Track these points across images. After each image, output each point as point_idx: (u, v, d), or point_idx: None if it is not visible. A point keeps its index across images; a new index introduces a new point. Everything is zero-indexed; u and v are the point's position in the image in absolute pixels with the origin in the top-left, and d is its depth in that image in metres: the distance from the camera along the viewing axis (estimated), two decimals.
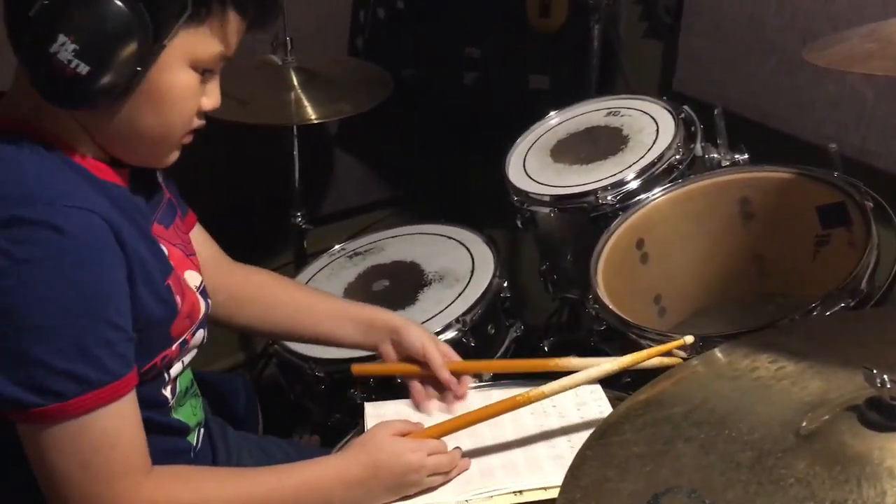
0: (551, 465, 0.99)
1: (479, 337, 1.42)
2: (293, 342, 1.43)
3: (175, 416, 1.03)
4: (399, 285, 1.54)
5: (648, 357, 1.05)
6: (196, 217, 1.17)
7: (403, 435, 1.00)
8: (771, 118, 1.77)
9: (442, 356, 1.14)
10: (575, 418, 1.08)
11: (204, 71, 0.91)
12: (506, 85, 2.06)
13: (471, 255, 1.56)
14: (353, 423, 1.17)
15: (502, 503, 0.96)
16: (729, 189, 1.40)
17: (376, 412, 1.12)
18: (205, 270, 1.12)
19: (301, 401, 1.49)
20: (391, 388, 1.36)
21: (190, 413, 1.07)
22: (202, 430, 1.11)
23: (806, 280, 1.31)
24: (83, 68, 0.82)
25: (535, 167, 1.59)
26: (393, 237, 1.69)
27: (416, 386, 1.15)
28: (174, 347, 0.98)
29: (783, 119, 1.75)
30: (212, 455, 1.13)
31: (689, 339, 1.06)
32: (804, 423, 0.76)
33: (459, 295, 1.46)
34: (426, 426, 1.03)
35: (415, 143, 2.30)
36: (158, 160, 0.96)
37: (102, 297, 0.85)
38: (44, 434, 0.83)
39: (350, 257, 1.66)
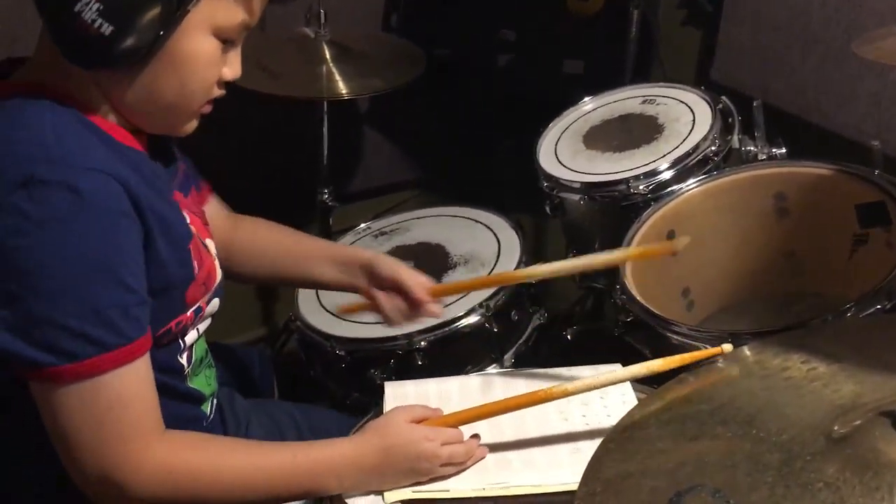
0: (570, 461, 0.98)
1: (502, 322, 1.41)
2: (311, 319, 1.43)
3: (191, 384, 1.03)
4: (423, 267, 1.51)
5: (681, 363, 1.01)
6: (210, 186, 1.18)
7: (421, 421, 0.99)
8: (811, 112, 1.73)
9: (414, 280, 1.14)
10: (599, 411, 1.06)
11: (225, 40, 0.91)
12: (540, 68, 2.03)
13: (497, 239, 1.54)
14: (373, 402, 1.16)
15: (520, 492, 0.94)
16: (764, 183, 1.37)
17: (396, 392, 1.11)
18: (219, 233, 1.13)
19: (320, 378, 1.49)
20: (411, 370, 1.35)
21: (205, 383, 1.07)
22: (215, 400, 1.11)
23: (840, 280, 1.28)
24: (106, 28, 0.82)
25: (566, 153, 1.57)
26: (419, 218, 1.68)
27: (381, 295, 1.14)
28: (189, 314, 0.98)
29: (823, 114, 1.71)
30: (222, 425, 1.13)
31: (728, 347, 1.02)
32: (836, 427, 0.74)
33: None
34: (445, 412, 1.02)
35: (445, 124, 2.28)
36: (175, 128, 0.95)
37: (117, 260, 0.85)
38: (57, 393, 0.84)
39: (375, 236, 1.65)
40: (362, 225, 1.69)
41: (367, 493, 0.95)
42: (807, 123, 1.73)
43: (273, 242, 1.21)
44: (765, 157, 1.43)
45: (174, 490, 0.89)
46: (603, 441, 0.79)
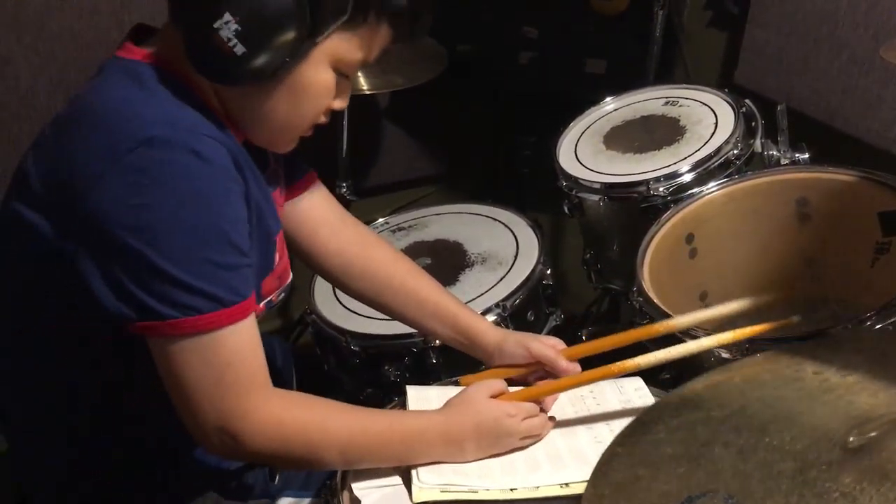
0: (597, 457, 0.97)
1: (518, 323, 1.40)
2: (327, 313, 1.44)
3: None
4: (441, 264, 1.52)
5: (752, 334, 1.02)
6: (315, 179, 1.20)
7: (498, 395, 1.02)
8: (835, 118, 1.71)
9: (550, 349, 1.11)
10: (620, 414, 1.05)
11: (342, 73, 0.95)
12: (562, 67, 2.02)
13: (515, 239, 1.54)
14: (386, 398, 1.16)
15: (548, 493, 0.94)
16: (786, 188, 1.36)
17: (419, 395, 1.10)
18: (323, 229, 1.17)
19: (334, 372, 1.49)
20: (426, 368, 1.35)
21: None
22: None
23: (862, 288, 1.26)
24: (240, 48, 0.85)
25: (586, 153, 1.56)
26: (438, 215, 1.68)
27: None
28: (261, 305, 1.01)
29: (848, 119, 1.69)
30: None
31: (796, 318, 1.02)
32: (851, 438, 0.72)
33: (501, 279, 1.44)
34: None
35: (465, 121, 2.27)
36: (277, 146, 1.00)
37: (231, 223, 0.88)
38: (177, 347, 0.87)
39: (393, 231, 1.65)
40: (380, 220, 1.69)
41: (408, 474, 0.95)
42: (831, 129, 1.71)
43: (401, 285, 1.18)
44: (787, 161, 1.42)
45: (285, 443, 0.92)
46: (611, 444, 0.78)
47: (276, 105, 0.92)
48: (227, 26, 0.84)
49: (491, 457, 0.99)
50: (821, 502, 0.67)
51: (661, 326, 1.11)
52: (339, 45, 0.91)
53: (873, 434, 0.73)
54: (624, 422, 1.02)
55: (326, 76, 0.93)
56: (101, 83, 0.92)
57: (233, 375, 0.89)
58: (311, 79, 0.92)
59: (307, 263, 1.20)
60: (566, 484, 0.94)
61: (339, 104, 0.98)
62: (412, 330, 1.35)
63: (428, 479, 0.94)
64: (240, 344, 0.89)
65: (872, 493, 0.67)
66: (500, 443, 0.99)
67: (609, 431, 1.03)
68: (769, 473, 0.71)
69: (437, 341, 1.34)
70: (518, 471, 0.97)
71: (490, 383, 1.03)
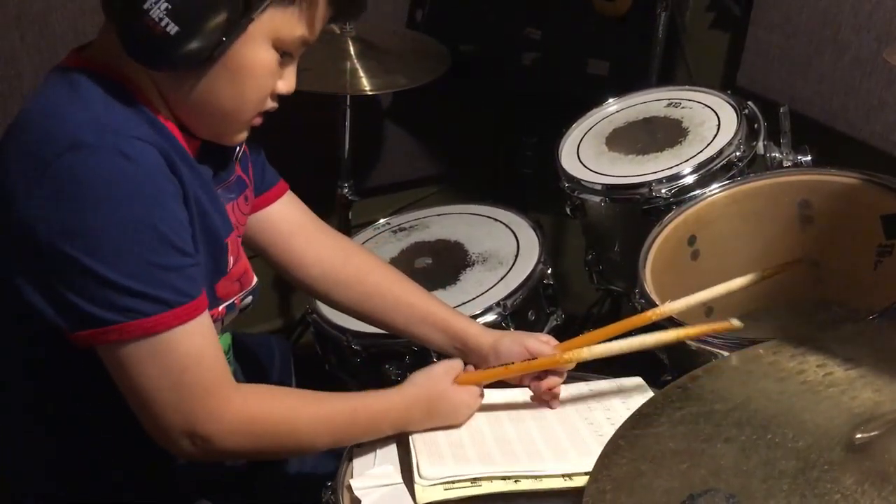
0: (599, 447, 0.97)
1: (519, 322, 1.40)
2: (328, 312, 1.44)
3: None
4: (441, 264, 1.52)
5: (696, 334, 1.05)
6: (286, 189, 1.18)
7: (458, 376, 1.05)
8: (838, 120, 1.71)
9: (546, 345, 1.11)
10: (621, 410, 1.05)
11: (284, 52, 0.92)
12: (564, 68, 2.02)
13: (516, 239, 1.54)
14: None
15: (551, 485, 0.93)
16: (789, 190, 1.35)
17: None
18: (297, 238, 1.15)
19: (336, 371, 1.49)
20: (424, 366, 1.34)
21: None
22: None
23: (864, 290, 1.26)
24: (172, 28, 0.83)
25: (588, 154, 1.56)
26: (439, 215, 1.68)
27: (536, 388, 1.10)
28: (221, 308, 0.99)
29: (851, 122, 1.68)
30: None
31: (737, 323, 1.02)
32: (856, 437, 0.72)
33: (502, 279, 1.44)
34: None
35: (467, 121, 2.27)
36: (225, 136, 0.97)
37: (167, 223, 0.86)
38: (128, 352, 0.85)
39: (394, 232, 1.64)
40: (381, 220, 1.69)
41: (384, 486, 0.95)
42: (833, 131, 1.71)
43: (388, 292, 1.18)
44: (790, 164, 1.42)
45: (256, 439, 0.92)
46: (612, 437, 0.78)
47: (218, 89, 0.90)
48: (158, 6, 0.82)
49: (490, 442, 1.00)
50: (822, 503, 0.66)
51: (654, 314, 1.11)
52: (277, 21, 0.88)
53: (876, 433, 0.72)
54: (624, 414, 1.02)
55: (267, 55, 0.90)
56: (38, 92, 0.90)
57: (191, 377, 0.87)
58: (252, 58, 0.89)
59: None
60: (569, 476, 0.94)
61: (285, 87, 0.95)
62: None
63: (430, 474, 0.93)
64: (194, 345, 0.88)
65: (874, 496, 0.66)
66: (448, 423, 1.03)
67: (610, 425, 1.02)
68: (771, 472, 0.70)
69: None
70: (519, 458, 0.97)
71: (454, 365, 1.06)
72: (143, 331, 0.85)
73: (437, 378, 1.04)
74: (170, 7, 0.82)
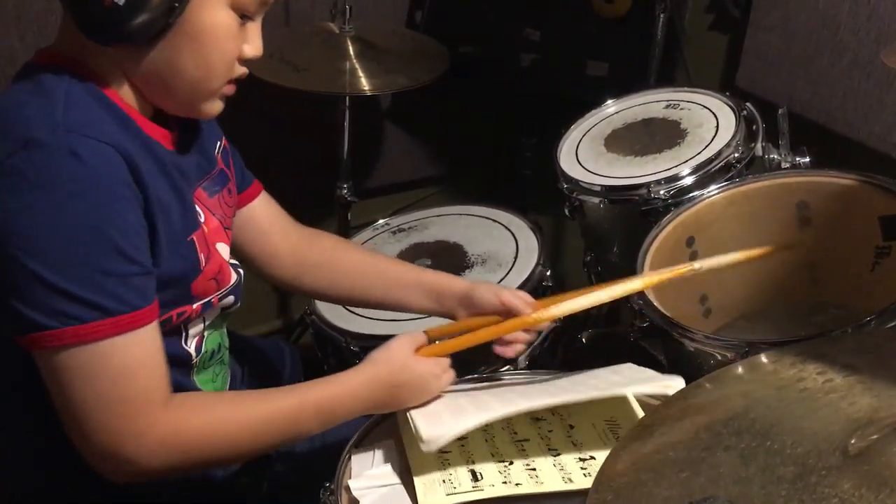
0: (612, 382, 0.99)
1: None
2: (327, 313, 1.43)
3: (195, 377, 1.03)
4: (440, 265, 1.52)
5: (659, 281, 1.08)
6: (261, 187, 1.18)
7: (420, 347, 1.01)
8: (837, 122, 1.71)
9: (520, 300, 1.10)
10: (608, 376, 1.07)
11: (243, 14, 0.91)
12: (563, 69, 2.02)
13: (515, 240, 1.54)
14: None
15: (553, 488, 0.93)
16: (787, 192, 1.36)
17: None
18: (272, 237, 1.15)
19: (335, 373, 1.48)
20: None
21: (209, 379, 1.06)
22: None
23: (862, 292, 1.26)
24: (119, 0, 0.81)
25: (587, 156, 1.56)
26: (438, 216, 1.68)
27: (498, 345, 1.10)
28: (195, 306, 0.97)
29: (849, 123, 1.69)
30: None
31: (697, 265, 1.07)
32: (852, 442, 0.72)
33: (501, 280, 1.44)
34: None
35: (467, 122, 2.27)
36: (197, 108, 0.94)
37: (116, 228, 0.83)
38: (60, 360, 0.82)
39: (393, 233, 1.65)
40: (380, 221, 1.69)
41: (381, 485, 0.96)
42: (832, 133, 1.71)
43: (357, 264, 1.18)
44: (788, 165, 1.42)
45: (183, 455, 0.88)
46: (614, 448, 0.78)
47: (180, 59, 0.88)
48: None
49: (488, 396, 1.00)
50: None
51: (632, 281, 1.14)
52: None
53: (874, 437, 0.73)
54: (610, 378, 1.04)
55: (226, 18, 0.89)
56: (4, 92, 0.89)
57: (120, 392, 0.84)
58: (210, 22, 0.87)
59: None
60: (570, 479, 0.94)
61: (252, 51, 0.93)
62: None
63: (431, 434, 0.91)
64: (130, 357, 0.84)
65: (871, 499, 0.66)
66: (418, 398, 0.98)
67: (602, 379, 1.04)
68: (770, 478, 0.71)
69: (438, 342, 1.34)
70: (516, 402, 0.97)
71: (414, 336, 1.02)
72: (78, 338, 0.81)
73: (397, 350, 0.99)
74: None
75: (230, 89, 0.95)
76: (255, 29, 0.94)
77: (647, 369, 1.10)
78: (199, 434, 0.89)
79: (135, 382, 0.85)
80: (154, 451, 0.86)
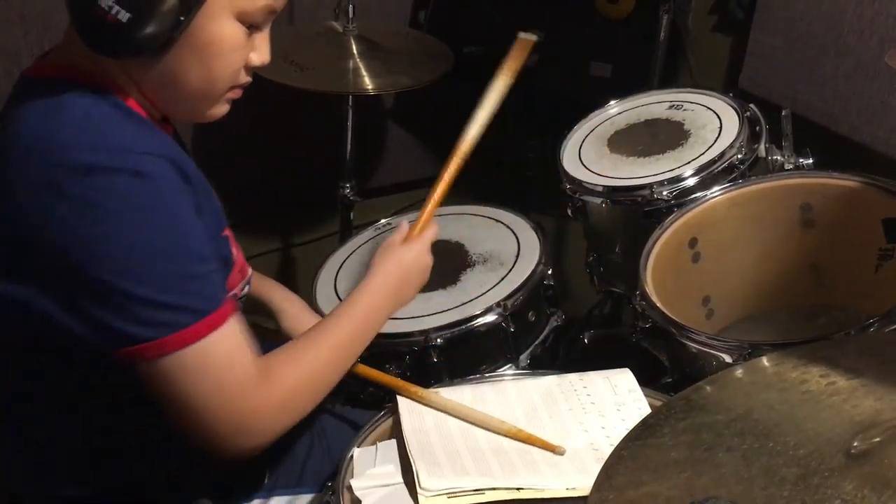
0: (595, 464, 0.97)
1: (519, 323, 1.40)
2: (328, 312, 1.43)
3: None
4: (442, 264, 1.51)
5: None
6: None
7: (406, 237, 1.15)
8: (840, 124, 1.71)
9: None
10: (616, 421, 1.05)
11: (250, 25, 0.91)
12: (566, 70, 2.02)
13: (517, 240, 1.54)
14: (386, 397, 1.16)
15: (554, 494, 0.94)
16: (790, 194, 1.36)
17: (412, 424, 1.07)
18: None
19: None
20: (427, 367, 1.35)
21: None
22: None
23: (865, 294, 1.26)
24: (123, 15, 0.82)
25: (590, 156, 1.56)
26: (440, 216, 1.66)
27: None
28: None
29: (853, 125, 1.69)
30: None
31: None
32: (855, 444, 0.72)
33: (502, 279, 1.44)
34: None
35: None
36: (202, 113, 0.96)
37: (189, 234, 0.87)
38: (168, 364, 0.86)
39: None
40: (382, 221, 1.69)
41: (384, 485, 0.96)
42: (835, 135, 1.71)
43: None
44: (791, 167, 1.42)
45: (295, 408, 0.96)
46: (616, 448, 0.78)
47: (188, 70, 0.89)
48: None
49: (488, 454, 1.00)
50: None
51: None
52: None
53: (877, 440, 0.73)
54: (620, 427, 1.03)
55: (232, 29, 0.89)
56: (19, 110, 0.88)
57: (230, 379, 0.89)
58: (217, 34, 0.88)
59: None
60: (573, 487, 0.94)
61: (259, 59, 0.94)
62: (413, 329, 1.35)
63: (430, 485, 0.94)
64: (228, 346, 0.89)
65: (874, 501, 0.66)
66: (422, 273, 1.15)
67: (605, 437, 1.02)
68: (772, 479, 0.71)
69: (439, 340, 1.34)
70: (518, 471, 0.97)
71: (399, 231, 1.17)
72: (183, 343, 0.85)
73: (389, 249, 1.14)
74: None
75: (236, 94, 0.96)
76: (262, 37, 0.94)
77: (636, 386, 1.09)
78: (300, 385, 0.96)
79: (239, 366, 0.90)
80: (273, 416, 0.93)
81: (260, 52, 0.94)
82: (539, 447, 1.00)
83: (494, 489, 0.94)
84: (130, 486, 1.00)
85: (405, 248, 1.14)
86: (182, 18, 0.84)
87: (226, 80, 0.92)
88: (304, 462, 1.16)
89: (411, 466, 0.97)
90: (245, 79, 0.95)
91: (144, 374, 0.87)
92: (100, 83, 0.89)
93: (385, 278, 1.10)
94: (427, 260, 1.15)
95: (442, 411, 1.07)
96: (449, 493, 0.93)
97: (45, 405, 0.96)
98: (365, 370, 1.17)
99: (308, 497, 1.11)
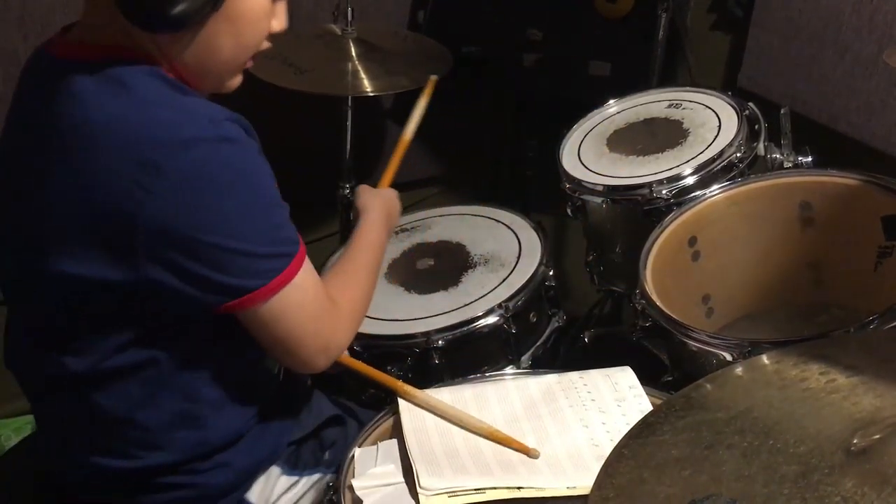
0: (595, 462, 0.97)
1: (521, 324, 1.40)
2: None
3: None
4: (443, 265, 1.53)
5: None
6: None
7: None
8: (839, 121, 1.71)
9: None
10: (616, 416, 1.05)
11: None
12: (566, 69, 2.02)
13: (518, 240, 1.54)
14: (388, 398, 1.16)
15: (555, 493, 0.94)
16: (790, 192, 1.36)
17: (412, 424, 1.08)
18: None
19: (337, 373, 1.49)
20: (428, 368, 1.35)
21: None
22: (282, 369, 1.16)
23: (864, 292, 1.26)
24: None
25: (589, 155, 1.56)
26: (441, 216, 1.68)
27: None
28: None
29: (852, 123, 1.69)
30: (288, 383, 1.16)
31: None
32: (855, 441, 0.73)
33: (504, 280, 1.44)
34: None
35: (469, 123, 2.27)
36: (224, 84, 1.00)
37: (271, 186, 0.95)
38: (274, 305, 0.94)
39: (396, 233, 1.65)
40: None
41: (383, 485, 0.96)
42: (834, 132, 1.71)
43: None
44: (791, 165, 1.42)
45: (358, 319, 1.09)
46: (617, 445, 0.79)
47: (220, 40, 0.93)
48: None
49: (488, 454, 1.01)
50: None
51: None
52: None
53: (877, 437, 0.73)
54: (621, 423, 1.03)
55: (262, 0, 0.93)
56: (75, 93, 0.90)
57: (319, 302, 0.99)
58: (248, 4, 0.92)
59: None
60: (573, 486, 0.94)
61: (279, 25, 0.98)
62: (414, 331, 1.35)
63: (430, 485, 0.94)
64: (314, 278, 0.99)
65: (873, 499, 0.67)
66: (396, 204, 1.35)
67: (606, 433, 1.03)
68: (772, 477, 0.71)
69: (440, 342, 1.34)
70: (518, 471, 0.97)
71: (366, 187, 1.35)
72: (282, 284, 0.93)
73: (366, 191, 1.33)
74: None
75: (251, 63, 1.00)
76: (282, 5, 0.98)
77: (636, 383, 1.10)
78: (355, 303, 1.09)
79: (322, 294, 1.00)
80: (345, 331, 1.05)
81: (279, 19, 0.98)
82: (515, 449, 1.02)
83: (495, 488, 0.94)
84: (210, 451, 1.04)
85: (380, 191, 1.35)
86: None
87: (252, 48, 0.97)
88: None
89: (412, 466, 0.97)
90: (266, 45, 0.99)
91: (251, 320, 0.95)
92: (144, 59, 0.91)
93: (379, 212, 1.26)
94: (393, 199, 1.35)
95: (419, 406, 1.10)
96: (449, 493, 0.93)
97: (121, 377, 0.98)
98: (350, 361, 1.25)
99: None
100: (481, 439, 1.04)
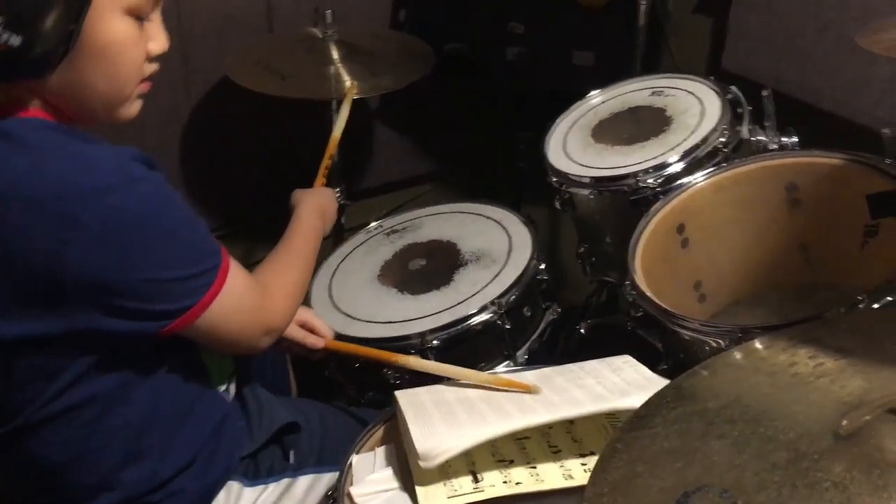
0: (592, 406, 0.99)
1: (515, 319, 1.41)
2: (325, 319, 1.44)
3: (203, 358, 1.10)
4: (435, 265, 1.53)
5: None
6: None
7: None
8: (823, 99, 1.71)
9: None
10: (613, 378, 1.07)
11: (139, 17, 0.93)
12: (549, 61, 2.02)
13: (508, 235, 1.54)
14: (386, 401, 1.17)
15: (553, 485, 0.94)
16: (776, 174, 1.36)
17: (408, 400, 1.10)
18: None
19: (335, 377, 1.50)
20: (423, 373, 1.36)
21: (214, 360, 1.12)
22: (233, 386, 1.18)
23: (853, 271, 1.27)
24: (15, 40, 0.83)
25: (575, 147, 1.56)
26: (430, 215, 1.68)
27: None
28: None
29: (836, 100, 1.69)
30: (243, 411, 1.17)
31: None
32: (843, 423, 0.73)
33: (495, 276, 1.45)
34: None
35: (457, 119, 2.27)
36: (114, 113, 0.98)
37: (182, 208, 0.96)
38: (211, 315, 0.98)
39: (387, 234, 1.65)
40: (373, 224, 1.70)
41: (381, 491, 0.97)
42: (819, 111, 1.71)
43: None
44: (776, 146, 1.42)
45: (295, 298, 1.15)
46: (610, 441, 0.79)
47: (92, 75, 0.91)
48: None
49: (482, 405, 1.04)
50: (812, 493, 0.67)
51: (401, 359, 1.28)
52: None
53: (866, 419, 0.73)
54: (619, 383, 1.05)
55: (124, 27, 0.91)
56: None
57: (253, 295, 1.04)
58: (110, 35, 0.90)
59: None
60: (570, 476, 0.95)
61: (158, 46, 0.96)
62: (410, 332, 1.36)
63: (426, 450, 0.93)
64: (242, 277, 1.02)
65: (863, 482, 0.67)
66: (331, 200, 1.40)
67: (602, 388, 1.04)
68: (763, 465, 0.71)
69: (435, 341, 1.35)
70: (512, 415, 0.98)
71: (313, 189, 1.42)
72: (216, 294, 0.97)
73: (298, 192, 1.36)
74: (4, 21, 0.82)
75: (145, 87, 0.98)
76: (155, 25, 0.96)
77: (641, 367, 1.10)
78: (289, 285, 1.14)
79: (252, 288, 1.04)
80: (284, 308, 1.11)
81: (157, 40, 0.96)
82: (516, 390, 1.07)
83: (493, 485, 0.94)
84: (162, 483, 1.04)
85: (313, 190, 1.40)
86: (73, 28, 0.86)
87: (132, 76, 0.95)
88: (322, 443, 1.19)
89: (410, 471, 0.97)
90: (151, 69, 0.97)
91: (193, 332, 0.98)
92: (30, 111, 0.91)
93: (309, 204, 1.31)
94: (329, 196, 1.41)
95: (422, 370, 1.18)
96: (449, 494, 0.94)
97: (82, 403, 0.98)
98: (336, 344, 1.35)
99: (329, 475, 1.15)
100: (472, 394, 1.07)
